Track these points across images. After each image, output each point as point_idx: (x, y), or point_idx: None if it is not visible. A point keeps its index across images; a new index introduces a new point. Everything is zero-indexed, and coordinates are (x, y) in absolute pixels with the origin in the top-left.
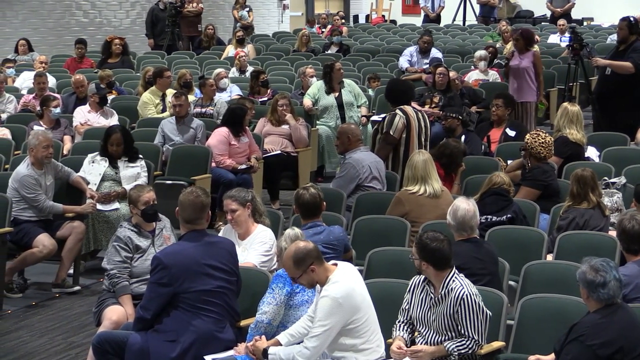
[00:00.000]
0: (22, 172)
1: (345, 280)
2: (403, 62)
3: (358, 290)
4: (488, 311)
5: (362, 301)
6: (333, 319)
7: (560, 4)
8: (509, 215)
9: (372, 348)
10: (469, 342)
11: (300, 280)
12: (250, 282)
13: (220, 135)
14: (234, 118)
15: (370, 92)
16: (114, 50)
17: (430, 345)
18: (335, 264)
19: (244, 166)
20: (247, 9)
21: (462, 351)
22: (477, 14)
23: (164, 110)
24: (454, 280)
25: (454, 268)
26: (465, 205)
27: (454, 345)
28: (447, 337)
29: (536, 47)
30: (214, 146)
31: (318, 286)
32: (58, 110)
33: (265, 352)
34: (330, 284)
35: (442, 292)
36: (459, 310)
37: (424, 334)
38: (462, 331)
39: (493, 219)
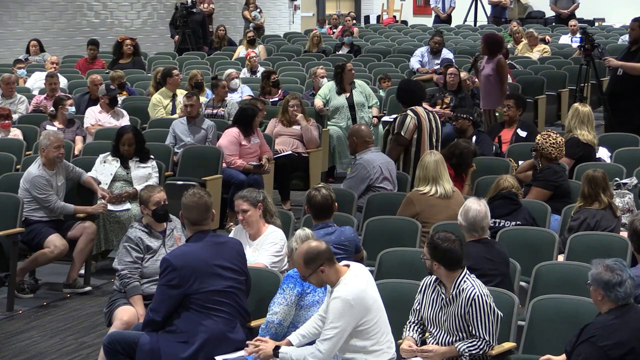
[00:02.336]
0: (34, 173)
1: (357, 281)
2: (414, 62)
3: (369, 291)
4: (499, 312)
5: (373, 303)
6: (344, 320)
7: (564, 5)
8: (518, 222)
9: (382, 349)
10: (480, 342)
11: (310, 280)
12: (261, 283)
13: (230, 135)
14: (245, 118)
15: (382, 92)
16: (125, 51)
17: (441, 345)
18: (347, 265)
19: (253, 163)
20: (258, 10)
21: (474, 352)
22: (489, 14)
23: (173, 112)
24: (465, 281)
25: (466, 269)
26: (477, 206)
27: (465, 346)
28: (457, 338)
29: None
30: (224, 147)
31: (329, 286)
32: (73, 109)
33: (276, 348)
34: (341, 285)
35: (453, 293)
36: (470, 311)
37: (435, 334)
38: (473, 332)
39: (502, 224)
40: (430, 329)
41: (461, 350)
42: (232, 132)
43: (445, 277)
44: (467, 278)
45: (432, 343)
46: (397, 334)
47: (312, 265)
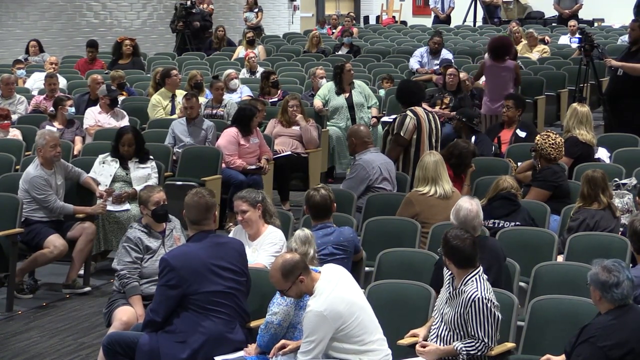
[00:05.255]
0: (32, 173)
1: (328, 290)
2: (413, 63)
3: (344, 296)
4: (499, 315)
5: (351, 306)
6: (320, 333)
7: (568, 5)
8: (517, 223)
9: (373, 349)
10: (478, 344)
11: (289, 293)
12: (260, 283)
13: (229, 135)
14: (242, 118)
15: (381, 92)
16: (125, 51)
17: (439, 339)
18: (319, 272)
19: (253, 166)
20: (257, 9)
21: (471, 352)
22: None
23: (172, 112)
24: (471, 281)
25: (479, 269)
26: (468, 205)
27: (462, 346)
28: (455, 334)
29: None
30: (223, 147)
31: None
32: (72, 109)
33: None
34: (313, 298)
35: (459, 290)
36: (470, 312)
37: (437, 325)
38: (472, 332)
39: (501, 224)
40: (435, 320)
41: (458, 349)
42: (231, 132)
43: (455, 273)
44: (475, 279)
45: (432, 336)
46: (397, 334)
47: (291, 277)
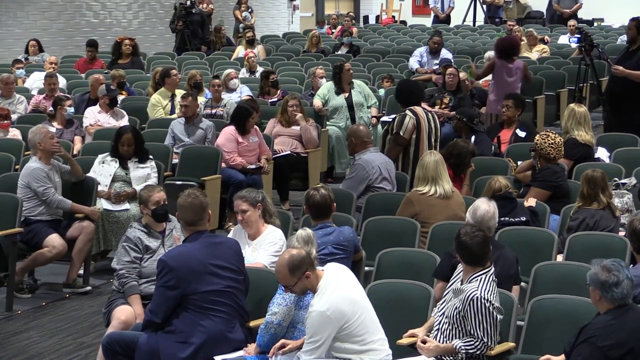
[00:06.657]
0: (33, 166)
1: (331, 289)
2: (413, 62)
3: (347, 294)
4: (499, 316)
5: (354, 305)
6: (324, 332)
7: (568, 5)
8: (523, 219)
9: (374, 348)
10: (477, 343)
11: (295, 289)
12: (260, 283)
13: (227, 133)
14: (239, 117)
15: (381, 92)
16: (124, 51)
17: (440, 332)
18: (322, 270)
19: (253, 166)
20: (250, 9)
21: (471, 351)
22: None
23: (172, 112)
24: (476, 280)
25: (489, 269)
26: (486, 206)
27: (462, 344)
28: (454, 329)
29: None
30: (222, 145)
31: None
32: (72, 109)
33: None
34: (316, 296)
35: (462, 287)
36: (468, 311)
37: (438, 319)
38: (472, 331)
39: (507, 219)
40: (439, 313)
41: (458, 347)
42: (229, 130)
43: (464, 269)
44: (480, 278)
45: (434, 330)
46: (396, 334)
47: (297, 273)
